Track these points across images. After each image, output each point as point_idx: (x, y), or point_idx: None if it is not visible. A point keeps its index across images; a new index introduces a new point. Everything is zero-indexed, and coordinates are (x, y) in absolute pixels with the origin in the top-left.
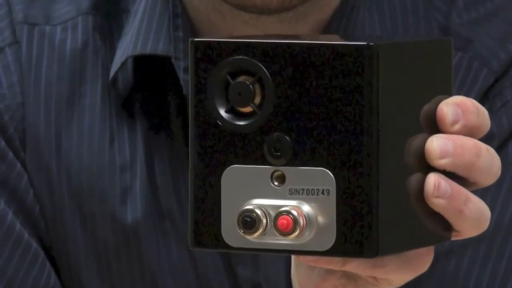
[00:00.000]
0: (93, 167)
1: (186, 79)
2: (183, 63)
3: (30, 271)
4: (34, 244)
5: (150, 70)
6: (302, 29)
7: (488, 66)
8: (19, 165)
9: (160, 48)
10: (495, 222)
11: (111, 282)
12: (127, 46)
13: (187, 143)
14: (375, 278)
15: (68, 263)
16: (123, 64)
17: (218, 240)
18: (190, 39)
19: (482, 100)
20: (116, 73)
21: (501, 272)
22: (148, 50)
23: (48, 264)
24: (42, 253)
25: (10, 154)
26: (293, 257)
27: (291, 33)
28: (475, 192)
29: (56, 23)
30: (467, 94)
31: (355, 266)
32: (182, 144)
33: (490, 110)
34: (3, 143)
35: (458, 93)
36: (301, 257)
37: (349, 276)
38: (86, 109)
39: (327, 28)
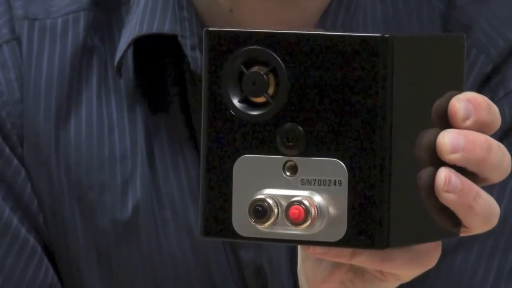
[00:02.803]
0: (92, 159)
1: (193, 56)
2: (190, 41)
3: (27, 266)
4: (32, 240)
5: (150, 54)
6: (302, 3)
7: (486, 53)
8: (16, 160)
9: (166, 27)
10: (502, 216)
11: (111, 273)
12: (132, 30)
13: (186, 125)
14: (382, 272)
15: (68, 256)
16: (129, 46)
17: (228, 230)
18: (205, 29)
19: (482, 88)
20: (120, 60)
21: (508, 267)
22: (154, 29)
23: (46, 260)
24: (39, 248)
25: (7, 150)
26: (300, 251)
27: (291, 2)
28: (482, 186)
29: (57, 16)
30: (464, 82)
31: (363, 259)
32: (181, 126)
33: (492, 99)
34: (0, 139)
35: None
36: (310, 249)
37: (356, 271)
38: (84, 102)
39: (328, 8)
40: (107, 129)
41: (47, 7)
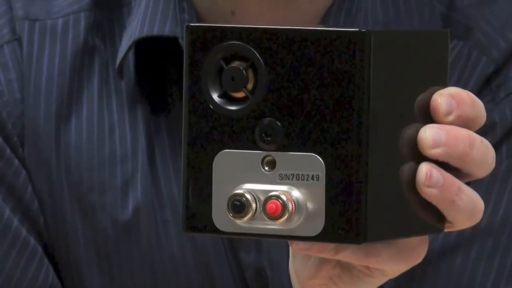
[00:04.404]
0: (93, 160)
1: None
2: None
3: (28, 267)
4: (32, 241)
5: (151, 56)
6: (303, 4)
7: (487, 54)
8: (16, 161)
9: (167, 29)
10: (502, 216)
11: (111, 274)
12: (133, 32)
13: None
14: (369, 268)
15: (68, 257)
16: (130, 48)
17: (209, 225)
18: (186, 24)
19: (483, 89)
20: (122, 61)
21: (508, 266)
22: (155, 31)
23: (46, 261)
24: (40, 249)
25: (8, 150)
26: (290, 247)
27: (291, 4)
28: (480, 185)
29: (58, 16)
30: (465, 83)
31: (347, 254)
32: (181, 128)
33: (493, 100)
34: (0, 139)
35: (457, 82)
36: (293, 245)
37: (344, 267)
38: (85, 103)
39: (329, 10)
40: (108, 130)
41: (48, 7)
